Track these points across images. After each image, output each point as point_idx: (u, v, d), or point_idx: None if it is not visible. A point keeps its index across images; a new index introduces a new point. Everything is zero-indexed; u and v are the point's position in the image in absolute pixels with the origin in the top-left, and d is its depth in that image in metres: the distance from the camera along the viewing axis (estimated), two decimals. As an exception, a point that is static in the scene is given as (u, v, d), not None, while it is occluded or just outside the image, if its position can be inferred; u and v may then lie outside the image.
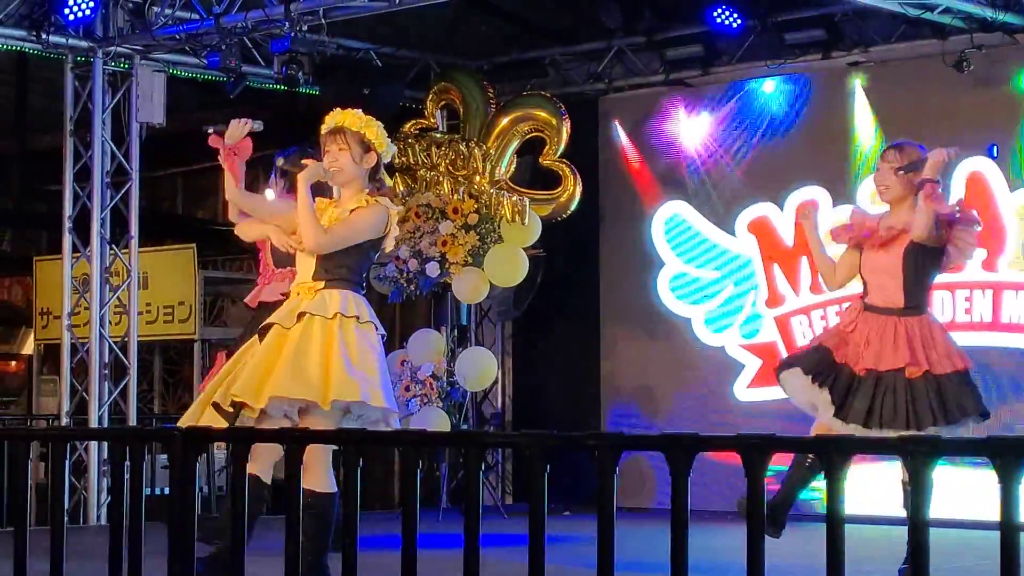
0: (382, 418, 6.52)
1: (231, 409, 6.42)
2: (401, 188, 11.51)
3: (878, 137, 11.35)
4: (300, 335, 6.49)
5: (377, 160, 6.72)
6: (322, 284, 6.58)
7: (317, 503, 6.50)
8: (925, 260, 7.13)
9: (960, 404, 6.94)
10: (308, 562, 6.31)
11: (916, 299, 7.13)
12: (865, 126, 11.47)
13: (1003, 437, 3.48)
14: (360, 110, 6.88)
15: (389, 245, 6.85)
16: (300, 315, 6.52)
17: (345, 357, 6.43)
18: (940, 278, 7.45)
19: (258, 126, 7.38)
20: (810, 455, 6.75)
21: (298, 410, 6.44)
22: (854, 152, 11.53)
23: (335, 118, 6.75)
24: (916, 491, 3.62)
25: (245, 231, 7.52)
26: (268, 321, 6.64)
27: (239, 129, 7.33)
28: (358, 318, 6.54)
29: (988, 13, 10.37)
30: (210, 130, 7.43)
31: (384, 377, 6.59)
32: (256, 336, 6.69)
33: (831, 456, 3.74)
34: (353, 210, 6.65)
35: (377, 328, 6.66)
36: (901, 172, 7.14)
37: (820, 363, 7.16)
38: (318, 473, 6.48)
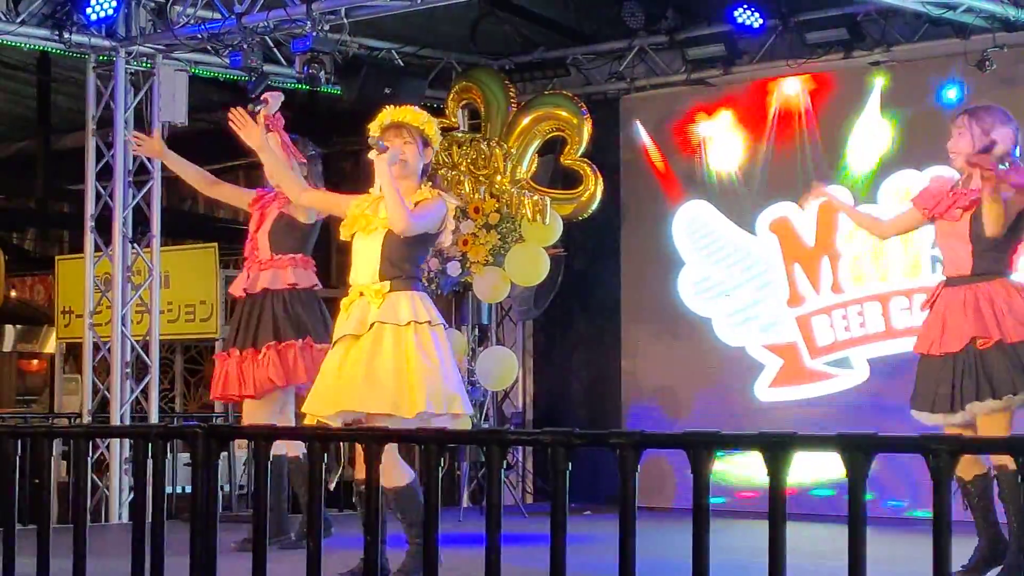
0: (461, 425, 6.69)
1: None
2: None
3: (899, 136, 11.33)
4: (372, 345, 6.51)
5: (432, 155, 6.89)
6: (388, 285, 6.59)
7: (401, 495, 6.61)
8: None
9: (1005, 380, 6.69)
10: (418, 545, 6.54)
11: (987, 264, 6.85)
12: (887, 125, 11.44)
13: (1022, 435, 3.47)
14: (415, 107, 7.00)
15: (447, 240, 6.96)
16: (371, 325, 6.54)
17: (423, 365, 6.48)
18: None
19: (281, 96, 8.30)
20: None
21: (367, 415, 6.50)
22: (876, 151, 11.49)
23: (394, 114, 6.83)
24: (939, 491, 3.61)
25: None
26: (340, 333, 6.66)
27: (275, 100, 8.15)
28: (430, 322, 6.59)
29: (1011, 12, 10.33)
30: (258, 108, 7.80)
31: (458, 379, 6.70)
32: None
33: (854, 455, 3.73)
34: (418, 202, 6.69)
35: (444, 326, 6.74)
36: (972, 160, 6.86)
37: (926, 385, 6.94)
38: (389, 470, 6.42)
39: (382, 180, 6.59)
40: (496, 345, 12.19)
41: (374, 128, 6.77)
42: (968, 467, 6.79)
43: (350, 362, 6.56)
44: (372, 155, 6.66)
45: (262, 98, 8.27)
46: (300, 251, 8.49)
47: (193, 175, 8.74)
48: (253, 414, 8.38)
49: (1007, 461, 6.52)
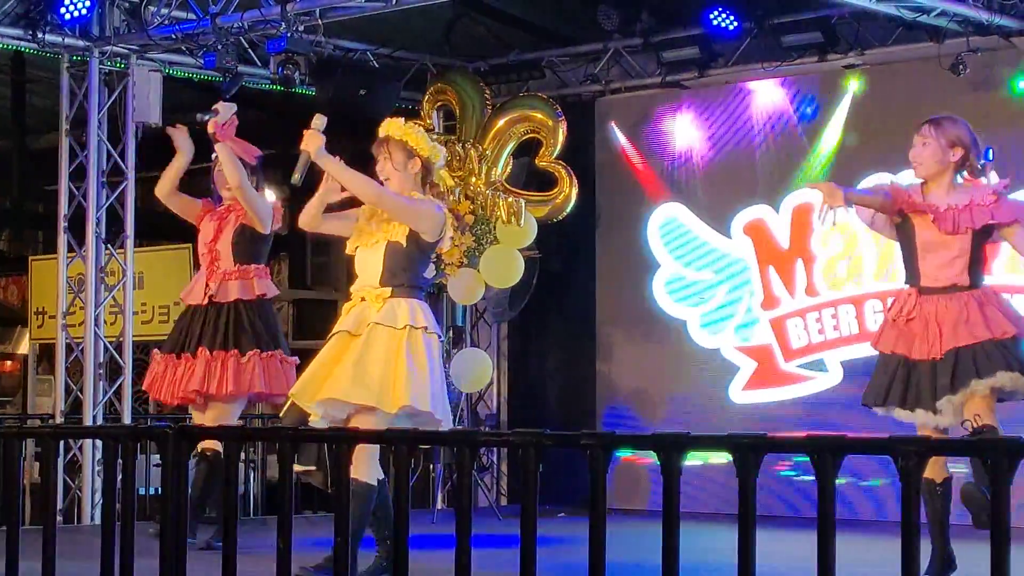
0: (436, 427, 6.69)
1: (295, 414, 6.65)
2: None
3: (874, 139, 11.35)
4: (363, 342, 6.65)
5: (423, 165, 6.91)
6: (389, 291, 6.74)
7: (359, 490, 6.56)
8: (985, 237, 6.96)
9: (990, 360, 6.68)
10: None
11: (976, 275, 6.91)
12: (861, 129, 11.47)
13: (993, 438, 3.48)
14: (401, 118, 7.10)
15: (446, 245, 7.12)
16: (369, 325, 6.67)
17: (411, 366, 6.60)
18: None
19: (234, 107, 8.35)
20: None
21: (348, 414, 6.61)
22: (850, 155, 11.52)
23: (381, 128, 7.00)
24: (907, 492, 3.62)
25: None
26: (337, 328, 6.78)
27: (226, 110, 8.25)
28: (426, 328, 6.73)
29: (984, 16, 10.37)
30: (206, 118, 7.92)
31: (443, 388, 6.80)
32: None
33: (823, 456, 3.73)
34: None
35: (440, 337, 6.89)
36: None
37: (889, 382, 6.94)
38: (360, 463, 6.52)
39: (331, 171, 6.86)
40: (471, 347, 12.19)
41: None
42: (940, 469, 6.81)
43: (342, 356, 6.68)
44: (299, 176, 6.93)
45: (212, 108, 8.33)
46: (260, 260, 8.57)
47: (172, 175, 8.72)
48: (225, 416, 8.38)
49: (935, 475, 6.71)
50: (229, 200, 8.56)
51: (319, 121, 7.02)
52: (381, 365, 6.59)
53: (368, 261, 6.84)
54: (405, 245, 6.79)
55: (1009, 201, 7.00)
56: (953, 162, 6.93)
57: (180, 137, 8.62)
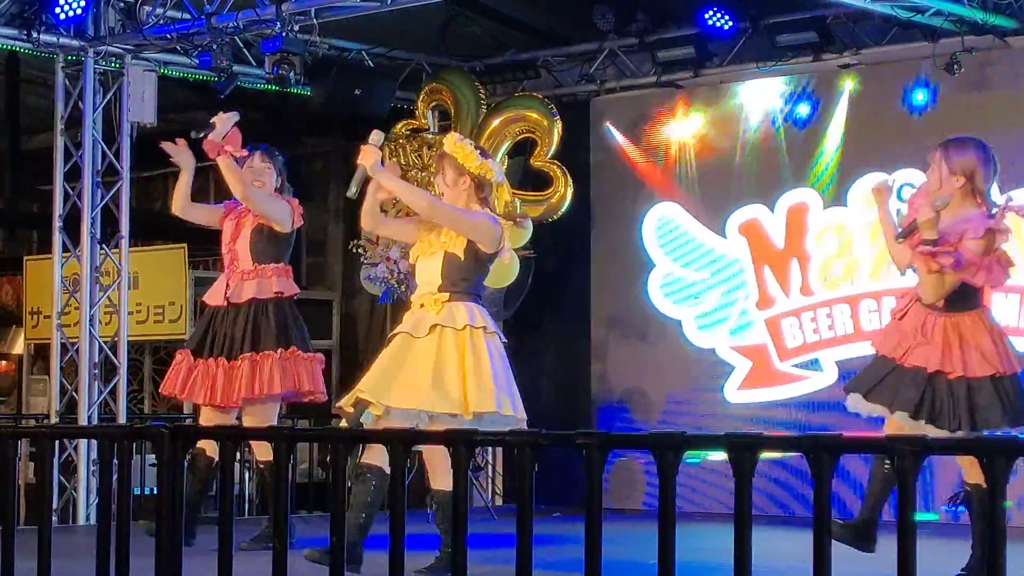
0: (514, 425, 6.91)
1: (351, 409, 6.81)
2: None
3: (869, 139, 11.36)
4: (435, 347, 6.86)
5: (472, 182, 7.06)
6: (447, 296, 6.94)
7: (443, 500, 7.04)
8: None
9: (984, 412, 6.53)
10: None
11: (959, 298, 6.78)
12: (856, 128, 11.48)
13: (990, 437, 3.48)
14: (456, 133, 7.43)
15: (506, 257, 7.35)
16: (431, 327, 6.89)
17: (478, 369, 6.84)
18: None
19: (235, 116, 8.18)
20: (887, 463, 6.60)
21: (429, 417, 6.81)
22: (845, 154, 11.53)
23: (445, 141, 7.24)
24: (903, 492, 3.61)
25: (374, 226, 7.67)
26: (397, 330, 7.01)
27: (223, 123, 8.11)
28: (485, 328, 6.94)
29: (979, 16, 10.38)
30: (202, 135, 7.89)
31: (512, 385, 7.04)
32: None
33: (819, 455, 3.73)
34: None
35: (501, 337, 7.08)
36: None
37: (878, 375, 6.91)
38: (444, 474, 6.94)
39: (390, 187, 7.02)
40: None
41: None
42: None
43: (416, 361, 6.87)
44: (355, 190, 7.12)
45: (209, 121, 8.29)
46: (281, 260, 8.56)
47: (183, 192, 8.70)
48: (263, 418, 8.40)
49: (980, 479, 6.53)
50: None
51: (376, 137, 7.16)
52: (455, 372, 6.83)
53: (427, 270, 7.06)
54: (463, 258, 6.98)
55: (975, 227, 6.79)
56: (957, 188, 6.83)
57: (179, 154, 8.57)
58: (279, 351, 8.39)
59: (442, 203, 7.02)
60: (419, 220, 7.18)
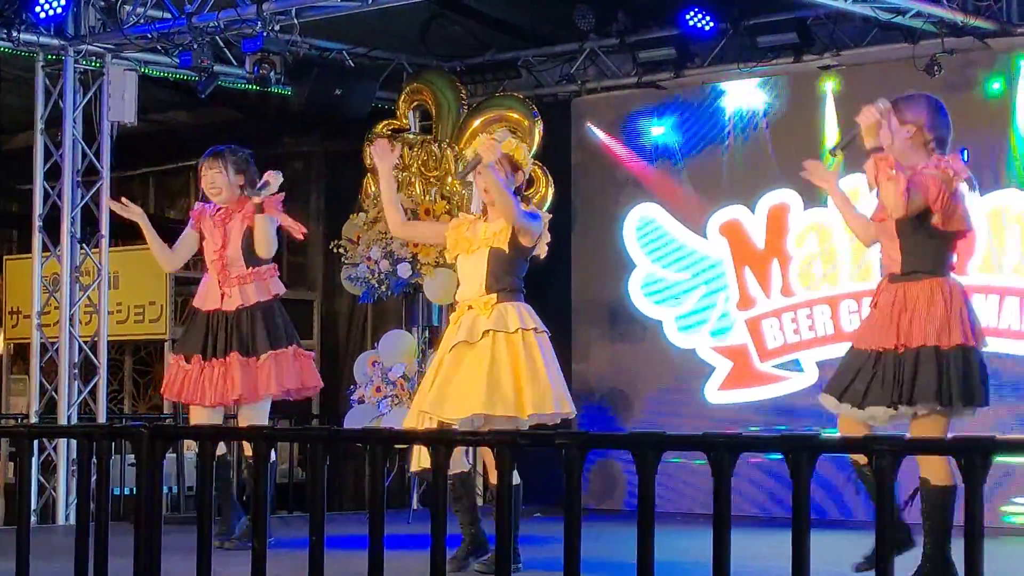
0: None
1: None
2: (373, 188, 11.49)
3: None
4: (489, 352, 7.06)
5: (524, 178, 7.44)
6: (495, 297, 7.20)
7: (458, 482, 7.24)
8: (919, 218, 6.48)
9: (920, 388, 6.33)
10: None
11: (915, 262, 6.52)
12: (837, 129, 11.49)
13: (967, 436, 3.49)
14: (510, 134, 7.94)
15: (542, 253, 7.57)
16: (484, 332, 7.10)
17: (533, 370, 7.07)
18: None
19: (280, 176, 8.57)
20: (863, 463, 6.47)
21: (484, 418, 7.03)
22: (826, 155, 11.54)
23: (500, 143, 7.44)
24: (880, 490, 3.62)
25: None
26: (455, 340, 7.16)
27: (277, 179, 8.50)
28: (535, 329, 7.22)
29: (959, 18, 10.40)
30: (260, 193, 8.44)
31: (563, 382, 7.29)
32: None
33: (798, 455, 3.74)
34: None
35: (547, 333, 7.33)
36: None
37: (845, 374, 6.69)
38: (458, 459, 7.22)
39: (488, 181, 7.16)
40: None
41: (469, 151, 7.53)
42: (942, 473, 6.42)
43: (470, 367, 7.06)
44: (469, 175, 7.44)
45: (264, 180, 8.46)
46: (271, 260, 8.65)
47: (158, 248, 8.84)
48: (257, 416, 8.49)
49: (931, 475, 6.41)
50: (224, 203, 8.64)
51: (502, 134, 7.52)
52: (510, 374, 7.02)
53: (472, 267, 7.27)
54: (508, 251, 7.24)
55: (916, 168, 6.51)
56: (907, 139, 6.55)
57: (131, 213, 8.73)
58: (290, 348, 8.58)
59: (520, 209, 7.22)
60: (453, 222, 7.52)
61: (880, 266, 7.06)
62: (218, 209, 8.67)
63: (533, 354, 7.11)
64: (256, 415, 8.54)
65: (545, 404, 7.05)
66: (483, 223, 7.39)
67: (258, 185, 8.48)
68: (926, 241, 6.55)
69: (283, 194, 8.59)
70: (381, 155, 7.58)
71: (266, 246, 8.49)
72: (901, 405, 6.43)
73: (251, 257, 8.57)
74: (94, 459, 4.95)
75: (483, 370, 7.01)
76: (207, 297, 8.67)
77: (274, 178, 8.48)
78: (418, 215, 11.31)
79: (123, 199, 8.86)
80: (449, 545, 4.33)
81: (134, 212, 8.75)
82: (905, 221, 6.49)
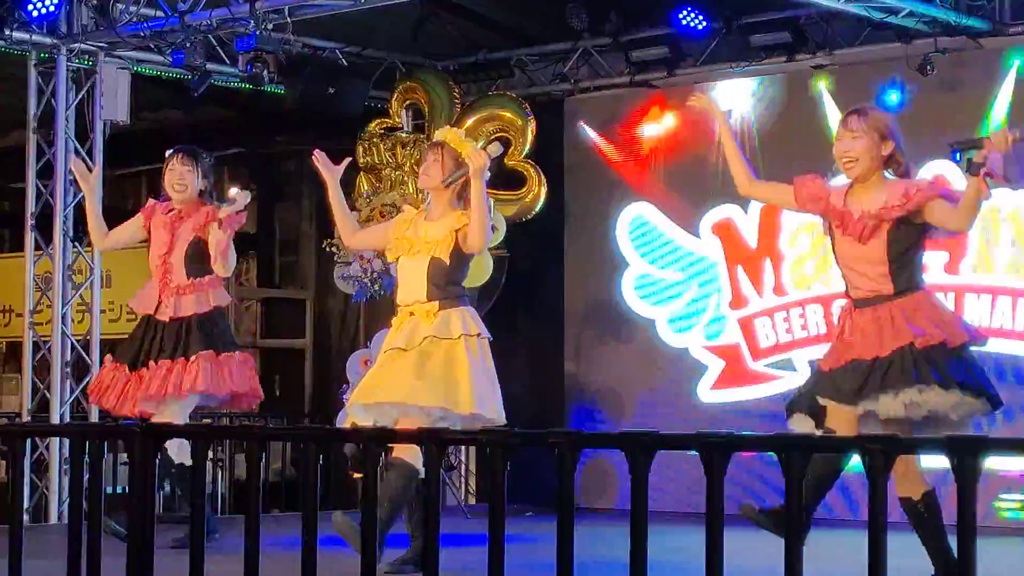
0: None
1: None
2: (366, 187, 11.49)
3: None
4: (423, 351, 6.91)
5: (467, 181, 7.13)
6: (437, 305, 7.00)
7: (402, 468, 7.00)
8: (910, 236, 6.44)
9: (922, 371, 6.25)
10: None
11: (906, 280, 6.46)
12: (829, 128, 11.50)
13: (960, 436, 3.49)
14: (458, 129, 7.57)
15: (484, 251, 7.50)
16: (423, 339, 6.94)
17: (475, 371, 6.96)
18: None
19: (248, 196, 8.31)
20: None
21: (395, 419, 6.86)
22: (818, 154, 11.54)
23: (440, 132, 7.32)
24: (874, 491, 3.62)
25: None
26: (391, 346, 7.03)
27: (244, 199, 8.21)
28: (479, 335, 7.07)
29: (952, 17, 10.42)
30: (222, 207, 8.22)
31: (497, 388, 7.19)
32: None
33: (791, 455, 3.74)
34: (459, 229, 7.04)
35: (489, 339, 7.19)
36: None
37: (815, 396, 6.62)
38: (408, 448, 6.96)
39: (474, 198, 6.94)
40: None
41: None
42: (915, 486, 6.40)
43: (400, 363, 6.94)
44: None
45: (229, 196, 8.30)
46: (213, 272, 8.40)
47: (95, 223, 8.72)
48: (172, 414, 8.25)
49: (911, 492, 6.34)
50: (180, 205, 8.43)
51: (496, 148, 7.23)
52: (443, 367, 6.87)
53: (412, 272, 7.07)
54: (448, 261, 7.03)
55: (929, 182, 6.59)
56: (884, 156, 6.50)
57: (83, 177, 8.58)
58: (223, 354, 8.31)
59: (490, 228, 7.11)
60: (391, 221, 7.32)
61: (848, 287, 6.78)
62: (170, 210, 8.47)
63: (476, 357, 7.00)
64: (172, 413, 8.18)
65: (489, 408, 7.00)
66: (425, 223, 7.14)
67: (226, 199, 8.31)
68: (911, 257, 6.55)
69: (245, 215, 8.36)
70: (322, 165, 7.29)
71: (224, 264, 8.20)
72: (911, 387, 6.28)
73: (192, 267, 8.33)
74: (87, 458, 4.94)
75: (412, 364, 6.89)
76: (144, 300, 8.47)
77: (241, 197, 8.21)
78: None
79: (75, 160, 8.69)
80: (443, 544, 4.33)
81: (87, 184, 8.60)
82: (896, 242, 6.47)
